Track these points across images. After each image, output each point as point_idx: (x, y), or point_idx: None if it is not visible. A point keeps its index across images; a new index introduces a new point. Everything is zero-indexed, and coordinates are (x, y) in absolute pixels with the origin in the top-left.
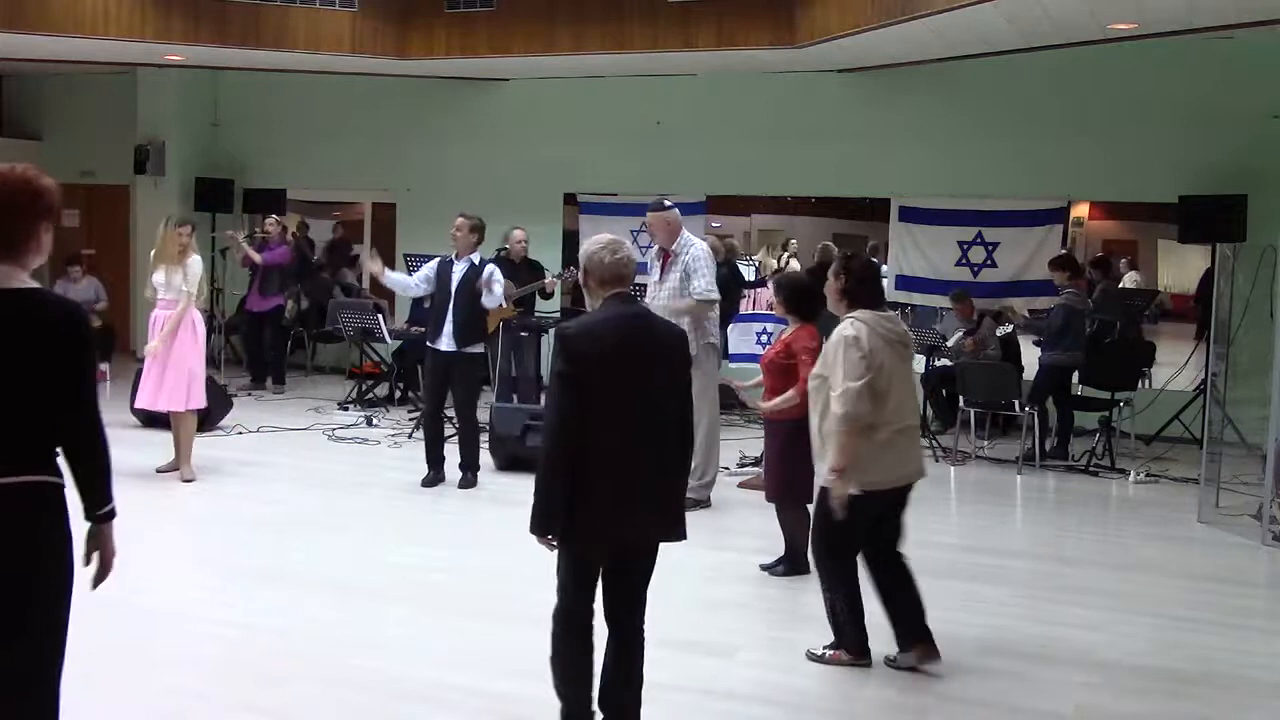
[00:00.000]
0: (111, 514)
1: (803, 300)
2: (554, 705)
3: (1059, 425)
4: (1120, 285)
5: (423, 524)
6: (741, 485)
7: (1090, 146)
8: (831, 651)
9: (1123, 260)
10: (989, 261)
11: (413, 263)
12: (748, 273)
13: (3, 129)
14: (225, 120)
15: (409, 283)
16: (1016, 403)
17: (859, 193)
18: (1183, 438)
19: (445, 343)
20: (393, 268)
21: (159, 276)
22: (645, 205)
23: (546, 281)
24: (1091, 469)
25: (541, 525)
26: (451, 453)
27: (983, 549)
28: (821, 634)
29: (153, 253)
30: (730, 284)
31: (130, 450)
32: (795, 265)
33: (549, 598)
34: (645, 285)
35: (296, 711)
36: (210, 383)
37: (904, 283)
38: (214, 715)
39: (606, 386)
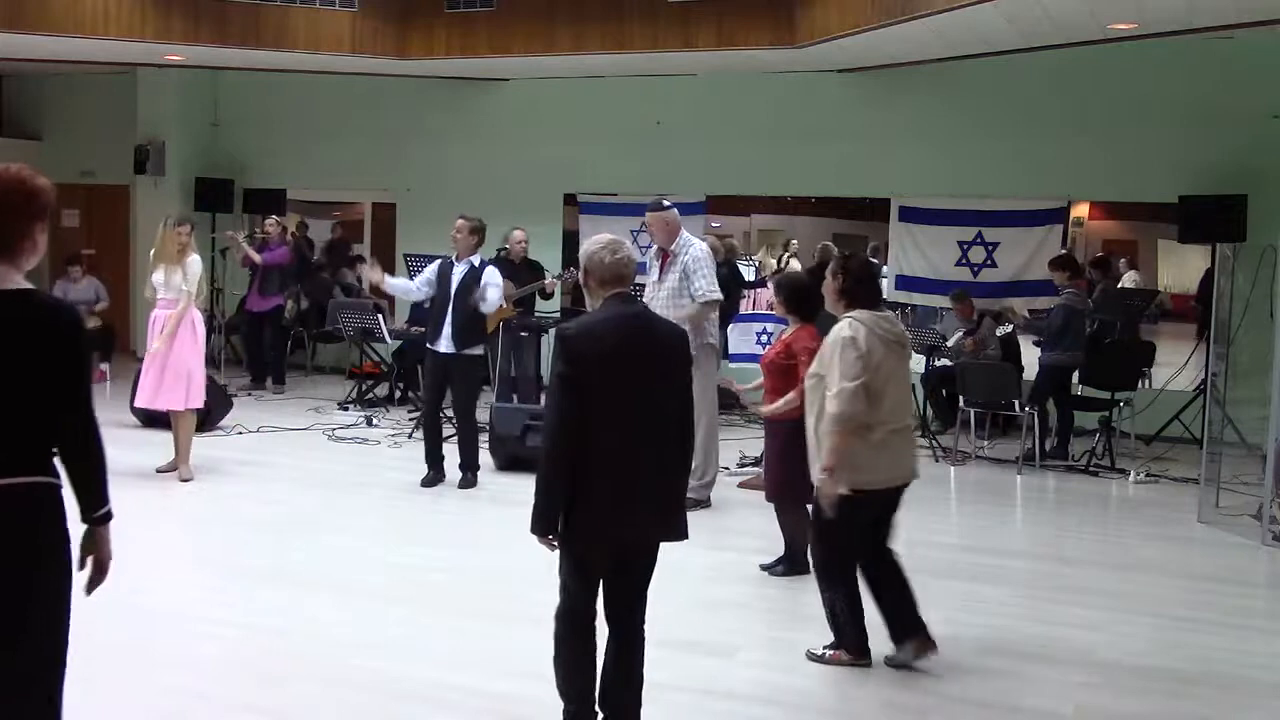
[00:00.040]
0: (108, 516)
1: (803, 300)
2: (554, 705)
3: (1059, 425)
4: (1119, 285)
5: (423, 524)
6: (741, 485)
7: (1090, 146)
8: (831, 651)
9: (1122, 260)
10: (989, 261)
11: (413, 263)
12: (748, 273)
13: (3, 129)
14: (225, 120)
15: (410, 288)
16: (1016, 403)
17: (859, 193)
18: (1183, 438)
19: (444, 344)
20: (393, 268)
21: (158, 276)
22: (645, 205)
23: (546, 282)
24: (1091, 469)
25: (542, 525)
26: (451, 453)
27: (983, 549)
28: (821, 634)
29: (152, 253)
30: (730, 284)
31: (130, 450)
32: (796, 265)
33: (549, 598)
34: (644, 285)
35: (296, 711)
36: (210, 383)
37: (904, 283)
38: (214, 715)
39: (607, 387)
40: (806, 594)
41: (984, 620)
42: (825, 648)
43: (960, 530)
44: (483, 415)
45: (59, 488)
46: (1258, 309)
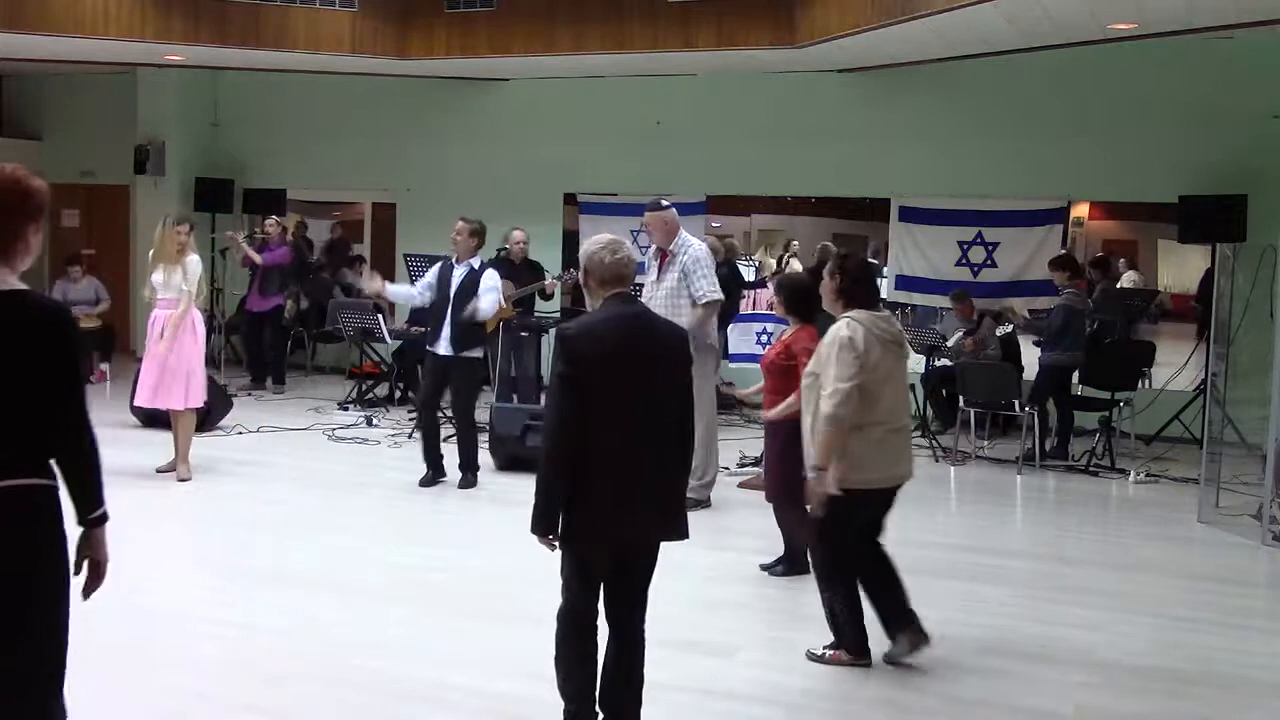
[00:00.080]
0: (103, 518)
1: (803, 301)
2: (554, 705)
3: (1059, 425)
4: (1118, 285)
5: (423, 524)
6: (741, 485)
7: (1090, 146)
8: (831, 651)
9: (1121, 260)
10: (989, 261)
11: (412, 262)
12: (747, 273)
13: (3, 129)
14: (225, 120)
15: (412, 294)
16: (1016, 403)
17: (859, 193)
18: (1183, 438)
19: (443, 347)
20: (393, 268)
21: (158, 276)
22: (645, 205)
23: (546, 283)
24: (1091, 469)
25: (542, 525)
26: (450, 453)
27: (983, 549)
28: (821, 634)
29: (151, 253)
30: (730, 284)
31: (130, 450)
32: (796, 265)
33: (549, 598)
34: (642, 285)
35: (296, 711)
36: (210, 383)
37: (904, 283)
38: (214, 715)
39: (607, 387)
40: (806, 594)
41: (984, 620)
42: (825, 648)
43: (960, 530)
44: (483, 415)
45: (57, 489)
46: (1258, 309)
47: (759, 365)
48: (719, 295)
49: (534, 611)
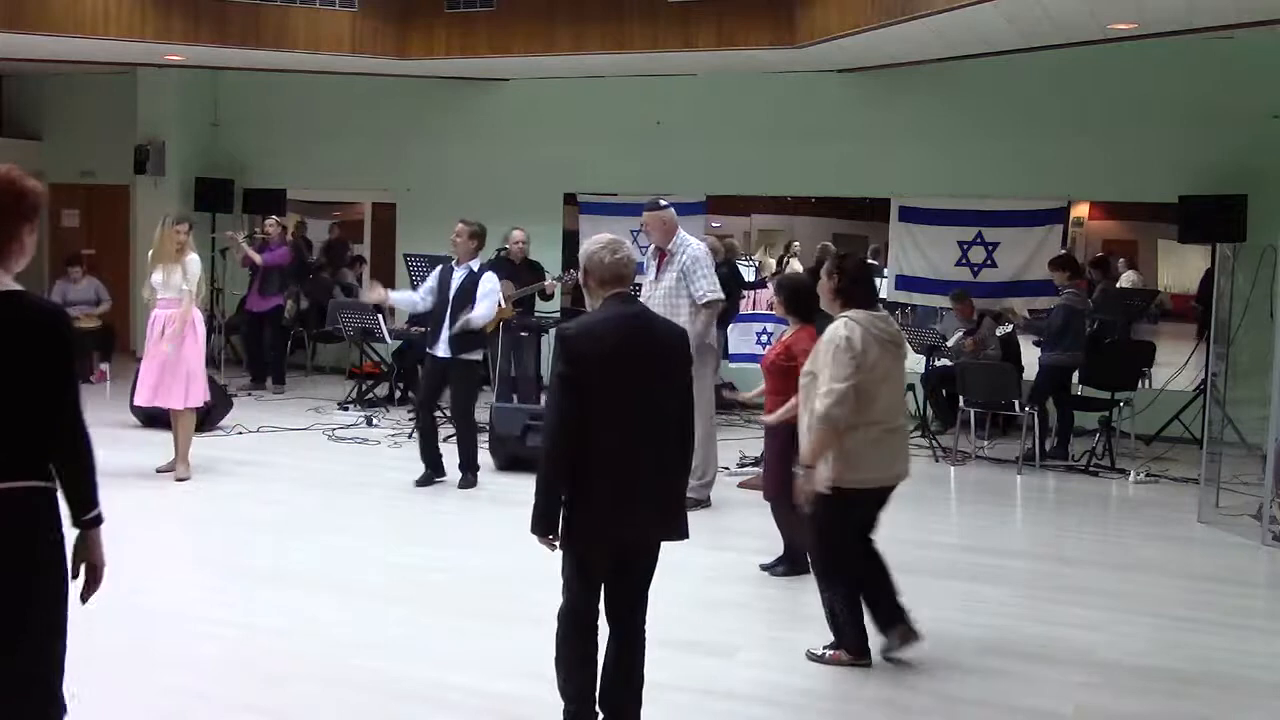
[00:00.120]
0: (98, 520)
1: (803, 301)
2: (554, 705)
3: (1059, 425)
4: (1118, 285)
5: (423, 524)
6: (741, 485)
7: (1090, 146)
8: (831, 651)
9: (1120, 260)
10: (989, 261)
11: (413, 263)
12: (747, 273)
13: (3, 129)
14: (225, 120)
15: (415, 299)
16: (1016, 403)
17: (859, 193)
18: (1183, 438)
19: (442, 349)
20: (393, 268)
21: (157, 276)
22: (644, 205)
23: (546, 284)
24: (1091, 469)
25: (542, 525)
26: (449, 453)
27: (983, 549)
28: (821, 634)
29: (150, 253)
30: (730, 284)
31: (130, 450)
32: (796, 265)
33: (549, 598)
34: (641, 285)
35: (296, 711)
36: (210, 383)
37: (904, 283)
38: (214, 715)
39: (607, 387)
40: (806, 594)
41: (984, 620)
42: (825, 648)
43: (960, 530)
44: (483, 415)
45: (55, 492)
46: (1258, 309)
47: (759, 366)
48: (720, 295)
49: (534, 611)
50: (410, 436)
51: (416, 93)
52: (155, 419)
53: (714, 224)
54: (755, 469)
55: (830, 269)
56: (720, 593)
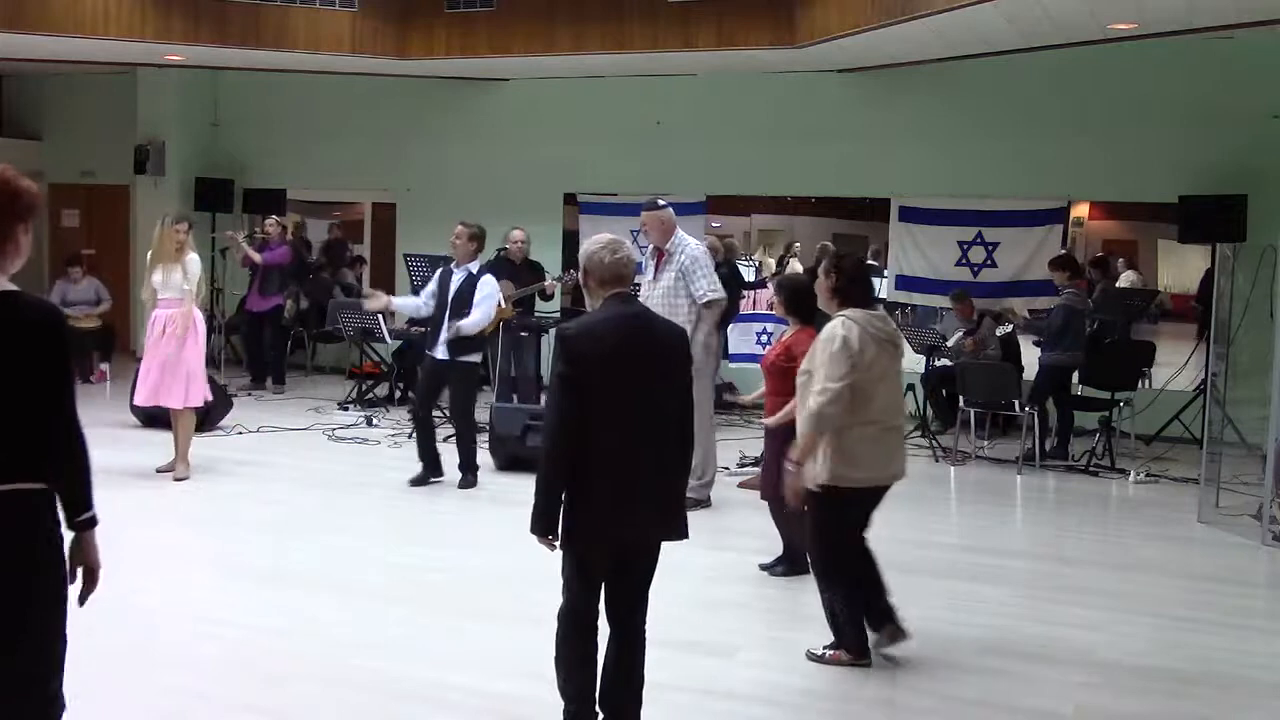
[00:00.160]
0: (93, 521)
1: (803, 301)
2: (554, 705)
3: (1059, 425)
4: (1116, 285)
5: (423, 524)
6: (741, 485)
7: (1090, 146)
8: (831, 651)
9: (1119, 260)
10: (989, 261)
11: (413, 263)
12: (747, 273)
13: (3, 129)
14: (225, 120)
15: (418, 304)
16: (1016, 403)
17: (859, 193)
18: (1183, 438)
19: (440, 351)
20: (393, 268)
21: (157, 276)
22: (642, 205)
23: (547, 285)
24: (1091, 469)
25: (542, 525)
26: (446, 453)
27: (983, 549)
28: (821, 634)
29: (149, 254)
30: (730, 284)
31: (130, 450)
32: (796, 265)
33: (549, 598)
34: (639, 285)
35: (296, 711)
36: (210, 383)
37: (904, 283)
38: (214, 715)
39: (607, 387)
40: (806, 594)
41: (984, 620)
42: (825, 648)
43: (960, 530)
44: (483, 415)
45: (52, 493)
46: (1258, 309)
47: (759, 366)
48: (721, 294)
49: (534, 611)
50: (410, 436)
51: (416, 93)
52: (155, 419)
53: (714, 224)
54: (755, 469)
55: (828, 268)
56: (720, 593)
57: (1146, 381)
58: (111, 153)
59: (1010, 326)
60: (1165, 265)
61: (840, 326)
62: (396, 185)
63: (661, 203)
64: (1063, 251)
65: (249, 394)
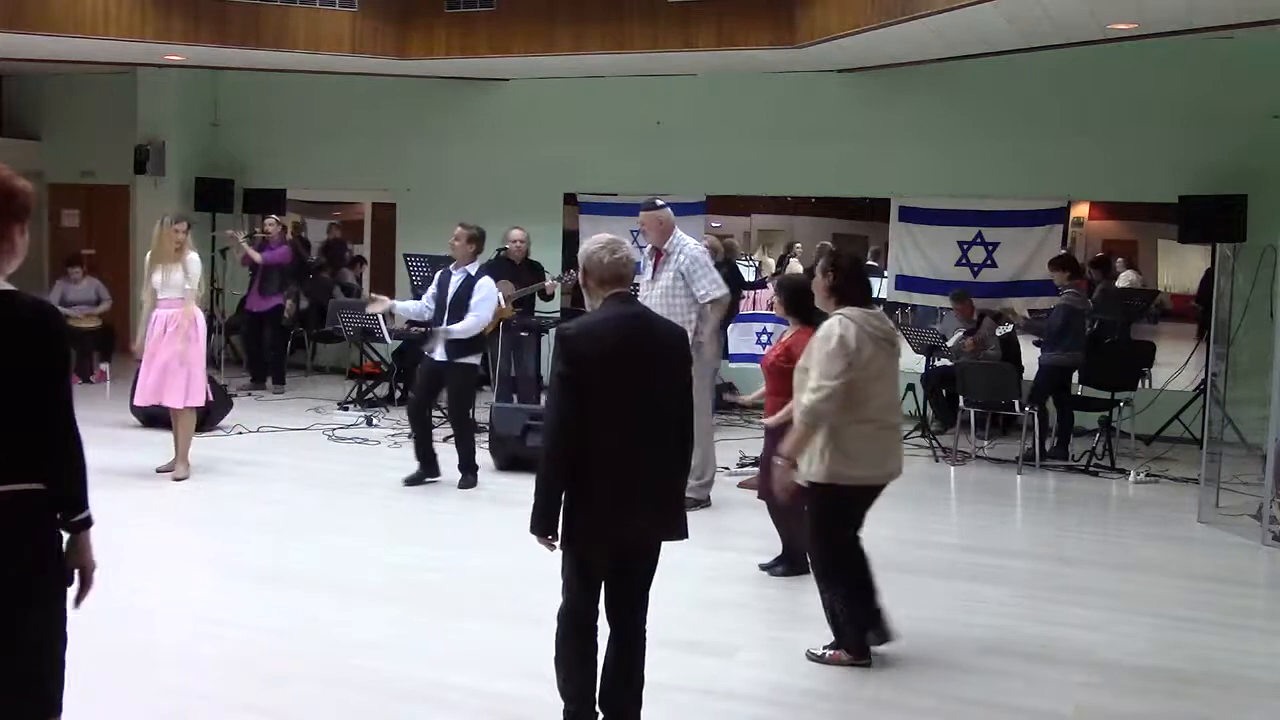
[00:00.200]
0: (88, 522)
1: (804, 302)
2: (554, 705)
3: (1059, 425)
4: (1116, 284)
5: (422, 524)
6: (741, 485)
7: (1090, 146)
8: (831, 651)
9: (1118, 260)
10: (989, 261)
11: (413, 263)
12: (748, 273)
13: (3, 129)
14: (225, 120)
15: (420, 308)
16: (1016, 403)
17: (859, 193)
18: (1183, 438)
19: (439, 352)
20: (393, 268)
21: (157, 277)
22: (640, 205)
23: (547, 285)
24: (1091, 469)
25: (541, 525)
26: (442, 452)
27: (983, 549)
28: (821, 634)
29: (148, 255)
30: (730, 284)
31: (130, 450)
32: (796, 266)
33: (549, 598)
34: (638, 285)
35: (296, 711)
36: (210, 383)
37: (904, 283)
38: (214, 715)
39: (607, 387)
40: (806, 594)
41: (984, 620)
42: (825, 648)
43: (960, 530)
44: (483, 415)
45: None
46: (1258, 309)
47: (759, 366)
48: (724, 290)
49: (534, 611)
50: (410, 437)
51: (416, 93)
52: (155, 419)
53: (714, 224)
54: (755, 469)
55: (824, 266)
56: (720, 593)
57: (1146, 381)
58: (111, 153)
59: (1010, 326)
60: (1165, 265)
61: (837, 325)
62: (396, 185)
63: (659, 203)
64: (1063, 251)
65: (249, 394)
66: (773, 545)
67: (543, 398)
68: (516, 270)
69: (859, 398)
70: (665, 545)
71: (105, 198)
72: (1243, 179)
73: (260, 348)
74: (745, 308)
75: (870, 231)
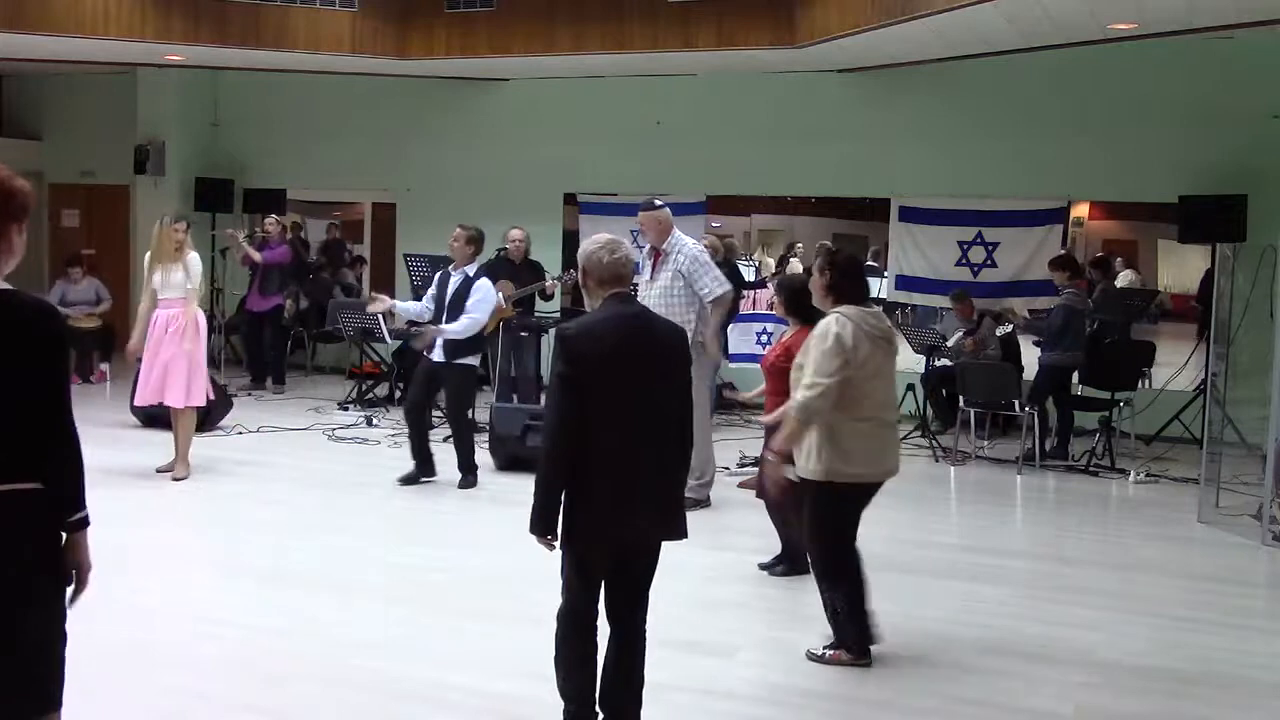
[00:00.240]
0: (85, 522)
1: (804, 302)
2: (554, 705)
3: (1059, 425)
4: (1116, 284)
5: (422, 524)
6: (741, 485)
7: (1090, 146)
8: (831, 651)
9: (1118, 260)
10: (989, 261)
11: (413, 263)
12: (747, 273)
13: (3, 129)
14: (225, 120)
15: (421, 309)
16: (1016, 403)
17: (859, 193)
18: (1183, 438)
19: (437, 353)
20: (393, 268)
21: (157, 277)
22: (639, 205)
23: (546, 285)
24: (1091, 469)
25: (541, 525)
26: (438, 452)
27: (983, 549)
28: (821, 634)
29: (148, 255)
30: (730, 284)
31: (130, 450)
32: (796, 266)
33: (549, 598)
34: (637, 285)
35: (296, 711)
36: (210, 383)
37: (904, 283)
38: (214, 715)
39: (606, 387)
40: (806, 594)
41: (984, 620)
42: (825, 648)
43: (960, 530)
44: (483, 415)
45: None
46: (1258, 309)
47: (759, 366)
48: (727, 286)
49: (534, 611)
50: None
51: (416, 93)
52: (155, 419)
53: (714, 224)
54: (755, 469)
55: (822, 265)
56: (720, 593)
57: (1146, 381)
58: (111, 153)
59: (1010, 326)
60: (1165, 265)
61: (834, 323)
62: (396, 185)
63: (658, 203)
64: (1063, 251)
65: (249, 394)
66: (772, 545)
67: (543, 398)
68: (516, 270)
69: (856, 396)
70: (665, 545)
71: (105, 198)
72: (1243, 179)
73: (260, 348)
74: (745, 308)
75: (870, 231)
